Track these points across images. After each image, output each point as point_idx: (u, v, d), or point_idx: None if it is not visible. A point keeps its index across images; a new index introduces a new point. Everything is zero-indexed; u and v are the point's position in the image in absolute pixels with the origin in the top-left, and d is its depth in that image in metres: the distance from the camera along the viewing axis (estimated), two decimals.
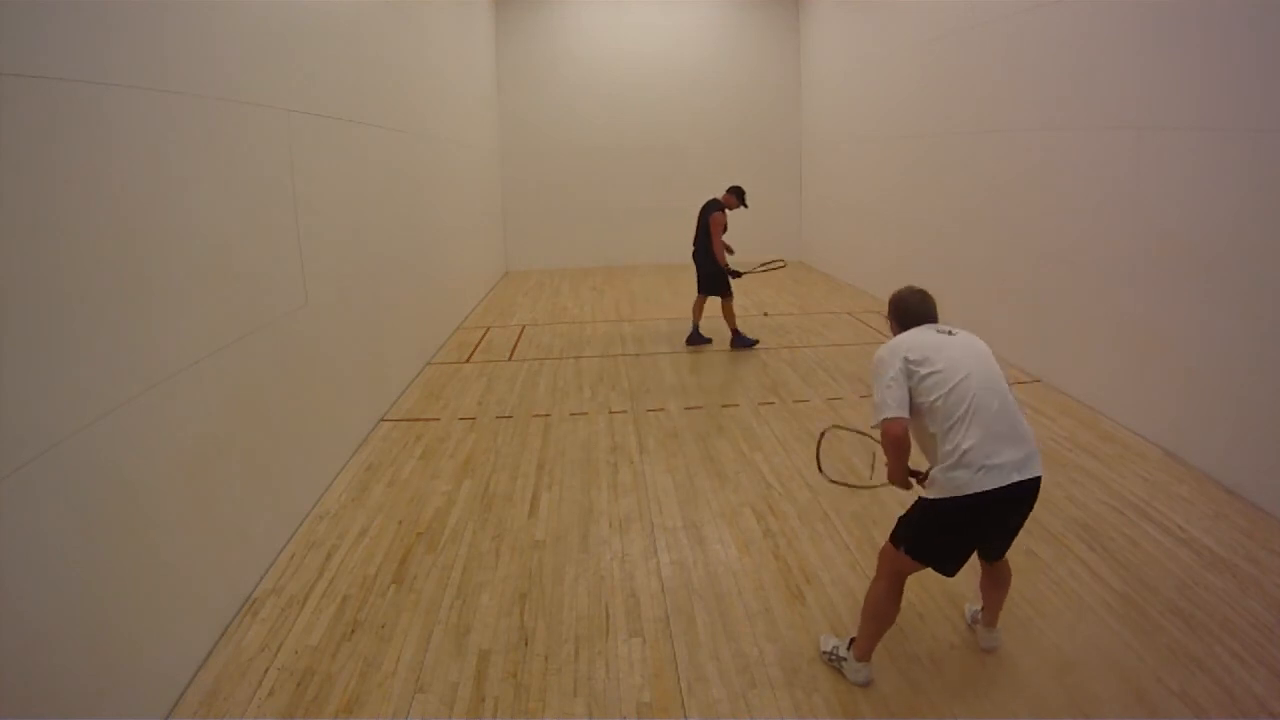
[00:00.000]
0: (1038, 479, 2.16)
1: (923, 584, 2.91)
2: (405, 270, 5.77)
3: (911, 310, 2.39)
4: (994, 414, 2.11)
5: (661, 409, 5.08)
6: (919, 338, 2.26)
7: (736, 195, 6.57)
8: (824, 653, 2.53)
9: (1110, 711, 2.26)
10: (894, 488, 2.32)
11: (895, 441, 2.17)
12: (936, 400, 2.13)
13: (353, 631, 2.74)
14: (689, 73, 11.35)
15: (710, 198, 6.65)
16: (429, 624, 2.78)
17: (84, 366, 2.08)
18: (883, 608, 2.34)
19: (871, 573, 3.00)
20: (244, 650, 2.63)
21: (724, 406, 5.11)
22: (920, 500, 2.26)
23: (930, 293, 2.42)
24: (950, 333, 2.29)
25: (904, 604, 2.72)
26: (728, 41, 11.40)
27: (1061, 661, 2.49)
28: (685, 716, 2.31)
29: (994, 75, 5.94)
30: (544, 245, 11.51)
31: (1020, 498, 2.15)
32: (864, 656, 2.40)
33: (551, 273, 11.14)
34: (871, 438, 2.49)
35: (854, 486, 3.05)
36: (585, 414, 5.03)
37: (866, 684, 2.40)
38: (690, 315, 6.84)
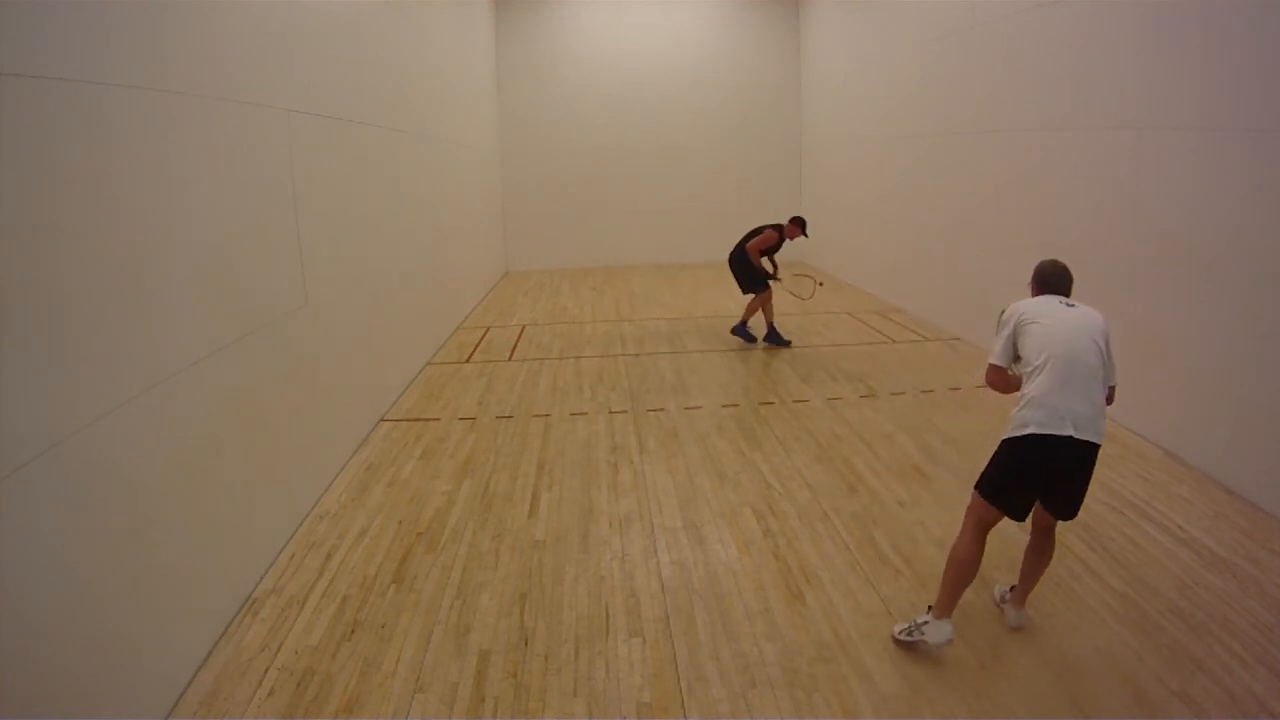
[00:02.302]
0: (1095, 445, 2.32)
1: (923, 583, 2.91)
2: (405, 270, 5.77)
3: (1047, 280, 2.66)
4: (1068, 373, 2.34)
5: (661, 409, 5.08)
6: (1042, 303, 2.55)
7: (800, 225, 6.57)
8: (900, 630, 2.57)
9: (1110, 711, 2.26)
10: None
11: (991, 384, 2.64)
12: (1028, 349, 2.45)
13: (353, 631, 2.74)
14: (689, 73, 11.35)
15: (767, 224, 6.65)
16: (429, 624, 2.77)
17: (84, 366, 2.08)
18: (965, 557, 2.45)
19: (871, 573, 3.03)
20: (244, 650, 2.63)
21: (724, 406, 5.11)
22: (1001, 440, 2.47)
23: (1069, 271, 2.66)
24: (1071, 305, 2.52)
25: (905, 603, 2.74)
26: (728, 41, 11.40)
27: (1061, 661, 2.49)
28: (685, 716, 2.31)
29: (994, 75, 5.94)
30: (544, 245, 11.50)
31: (1076, 457, 2.34)
32: (944, 613, 2.47)
33: (551, 273, 11.13)
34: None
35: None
36: (585, 414, 5.03)
37: (947, 642, 2.45)
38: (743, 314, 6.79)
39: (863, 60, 9.11)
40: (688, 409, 5.07)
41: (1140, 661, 2.47)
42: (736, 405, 5.13)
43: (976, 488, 2.51)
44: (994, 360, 2.59)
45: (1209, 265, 3.81)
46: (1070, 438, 2.29)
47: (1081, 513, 3.42)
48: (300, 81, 3.76)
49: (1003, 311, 2.62)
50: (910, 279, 7.85)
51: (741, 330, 6.76)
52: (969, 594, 2.84)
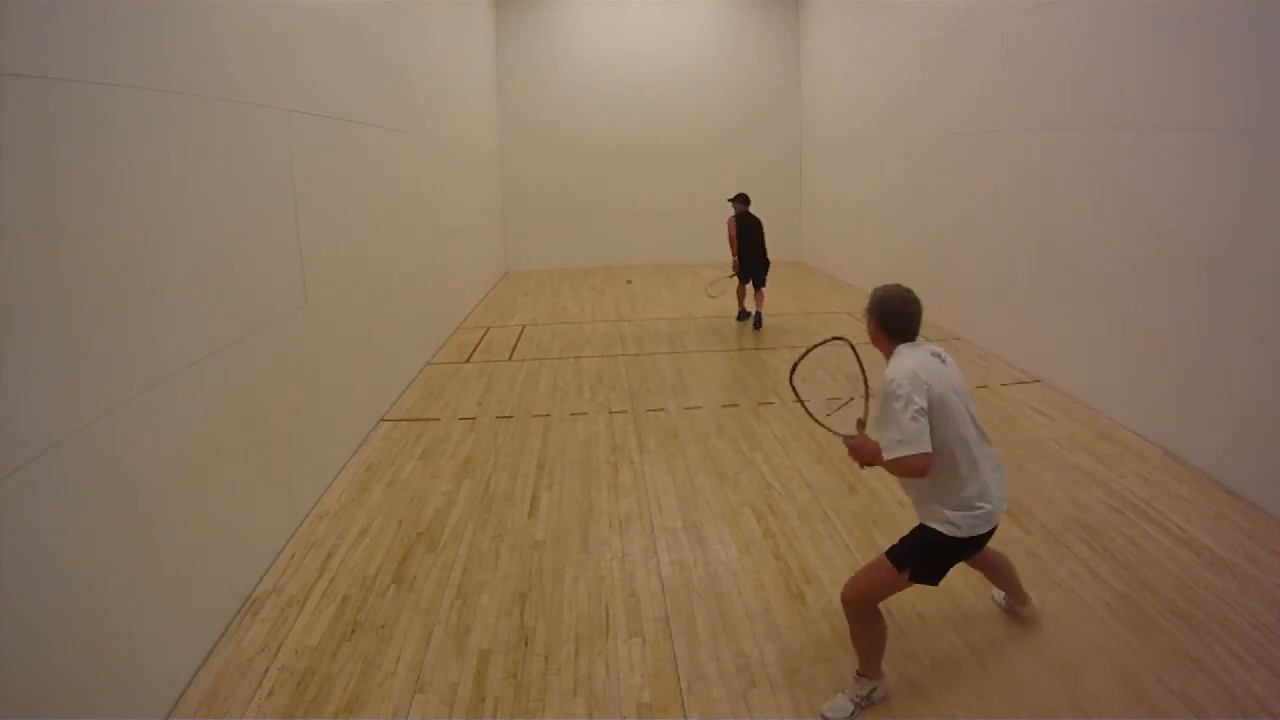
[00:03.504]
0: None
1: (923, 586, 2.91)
2: (405, 270, 5.77)
3: (901, 320, 2.26)
4: (979, 459, 2.17)
5: (661, 409, 5.08)
6: (928, 366, 2.14)
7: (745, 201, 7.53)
8: (852, 705, 2.28)
9: (1110, 711, 2.26)
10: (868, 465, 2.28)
11: (917, 474, 2.09)
12: (939, 441, 2.08)
13: (353, 631, 2.74)
14: (689, 73, 11.36)
15: (747, 211, 7.46)
16: (429, 624, 2.77)
17: (84, 366, 2.08)
18: (875, 627, 2.26)
19: None
20: (244, 650, 2.63)
21: (724, 406, 5.11)
22: (923, 528, 2.21)
23: (919, 301, 2.31)
24: (941, 359, 2.25)
25: (904, 604, 2.73)
26: (728, 41, 11.40)
27: (1061, 661, 2.49)
28: (685, 716, 2.31)
29: (994, 75, 5.94)
30: (544, 245, 11.51)
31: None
32: (877, 674, 2.31)
33: (551, 273, 11.13)
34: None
35: (814, 419, 2.78)
36: (585, 414, 5.03)
37: (885, 698, 2.31)
38: (749, 305, 7.57)
39: (863, 60, 9.11)
40: (688, 409, 5.07)
41: (1140, 661, 2.47)
42: (736, 405, 5.13)
43: (898, 565, 2.18)
44: (924, 448, 2.02)
45: (1209, 265, 3.81)
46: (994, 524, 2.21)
47: (1081, 513, 3.46)
48: (300, 81, 3.76)
49: (896, 384, 2.08)
50: (910, 279, 7.76)
51: (757, 318, 7.37)
52: (969, 594, 2.85)
